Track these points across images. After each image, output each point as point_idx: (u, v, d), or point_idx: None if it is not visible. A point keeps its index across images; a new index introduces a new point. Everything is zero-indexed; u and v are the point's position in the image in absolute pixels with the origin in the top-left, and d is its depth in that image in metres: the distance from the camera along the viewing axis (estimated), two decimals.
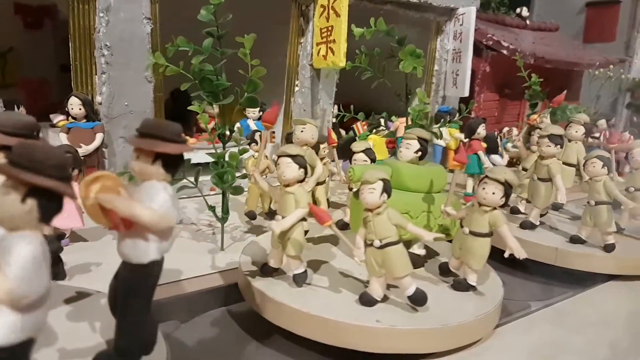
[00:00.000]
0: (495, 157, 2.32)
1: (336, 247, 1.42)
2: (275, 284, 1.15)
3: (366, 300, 1.07)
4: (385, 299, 1.10)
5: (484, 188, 1.14)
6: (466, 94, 2.80)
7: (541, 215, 1.75)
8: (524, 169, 1.84)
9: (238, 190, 1.41)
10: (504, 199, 1.13)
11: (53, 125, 1.98)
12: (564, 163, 1.94)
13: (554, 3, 4.55)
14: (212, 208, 1.45)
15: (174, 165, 0.81)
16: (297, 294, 1.11)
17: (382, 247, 1.04)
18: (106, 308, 0.93)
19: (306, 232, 1.32)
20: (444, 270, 1.27)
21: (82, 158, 1.43)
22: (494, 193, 1.12)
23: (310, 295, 1.11)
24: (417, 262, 1.28)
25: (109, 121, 1.77)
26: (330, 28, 2.22)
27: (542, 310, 1.35)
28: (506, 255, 1.14)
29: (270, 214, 1.40)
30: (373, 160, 1.43)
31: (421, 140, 1.29)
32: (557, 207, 1.93)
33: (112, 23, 1.74)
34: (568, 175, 1.96)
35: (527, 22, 3.51)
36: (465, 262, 1.19)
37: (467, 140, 2.12)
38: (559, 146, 1.61)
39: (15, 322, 0.60)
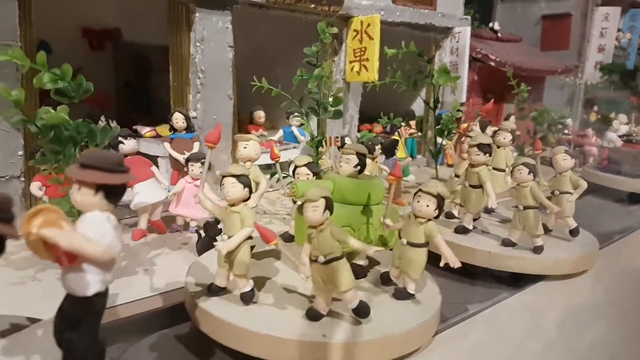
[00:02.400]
0: None
1: (280, 262, 1.44)
2: (222, 303, 1.16)
3: (312, 315, 1.11)
4: (329, 312, 1.14)
5: (418, 201, 1.20)
6: (464, 99, 3.21)
7: (474, 220, 1.84)
8: (457, 175, 1.93)
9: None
10: (437, 211, 1.19)
11: (140, 136, 2.33)
12: (494, 168, 2.06)
13: (513, 16, 4.91)
14: None
15: (116, 195, 0.81)
16: (244, 313, 1.12)
17: (326, 262, 1.07)
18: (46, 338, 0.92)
19: (252, 247, 1.34)
20: (385, 280, 1.32)
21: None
22: (427, 205, 1.18)
23: (257, 313, 1.13)
24: (360, 272, 1.33)
25: (201, 132, 2.10)
26: (363, 49, 2.57)
27: (479, 314, 1.42)
28: (442, 264, 1.20)
29: None
30: (315, 174, 1.47)
31: (360, 155, 1.34)
32: (488, 210, 2.04)
33: (206, 51, 2.11)
34: (498, 179, 2.07)
35: (498, 35, 3.88)
36: (405, 271, 1.24)
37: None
38: (487, 155, 1.70)
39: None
